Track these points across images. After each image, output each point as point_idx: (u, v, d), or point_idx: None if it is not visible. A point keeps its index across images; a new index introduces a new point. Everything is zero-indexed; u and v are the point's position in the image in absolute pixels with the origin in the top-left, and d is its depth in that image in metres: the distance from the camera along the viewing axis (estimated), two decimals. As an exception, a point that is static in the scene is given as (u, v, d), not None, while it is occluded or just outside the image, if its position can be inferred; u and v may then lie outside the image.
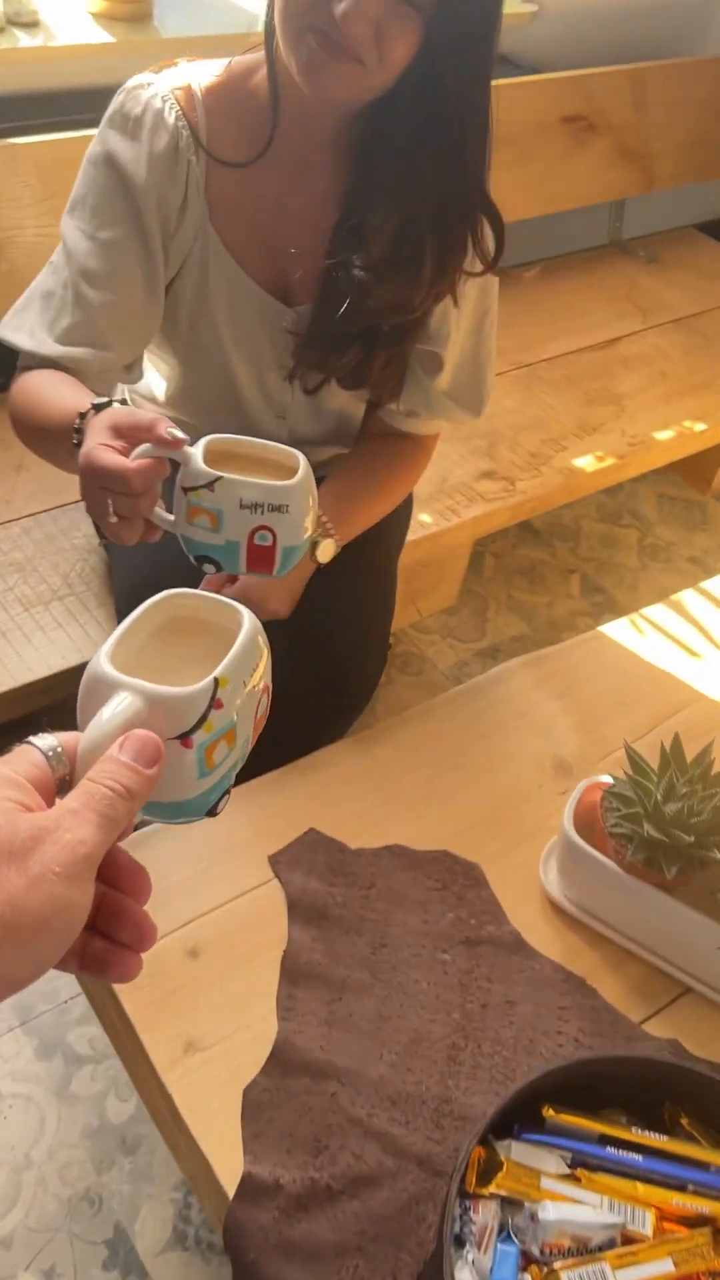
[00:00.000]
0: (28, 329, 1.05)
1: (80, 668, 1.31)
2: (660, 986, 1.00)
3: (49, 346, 1.02)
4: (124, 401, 0.89)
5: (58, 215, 1.51)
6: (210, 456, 0.86)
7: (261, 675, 0.56)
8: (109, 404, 0.90)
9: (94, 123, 1.55)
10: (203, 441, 0.87)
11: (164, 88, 1.02)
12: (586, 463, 1.80)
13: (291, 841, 1.05)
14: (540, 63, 2.16)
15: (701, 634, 1.36)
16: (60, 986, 1.32)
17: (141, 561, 1.20)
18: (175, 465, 0.86)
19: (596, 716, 1.22)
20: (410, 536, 1.52)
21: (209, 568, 0.90)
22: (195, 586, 0.93)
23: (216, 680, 0.51)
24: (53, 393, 0.99)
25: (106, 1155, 1.20)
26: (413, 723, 1.18)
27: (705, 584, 1.43)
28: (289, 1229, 0.81)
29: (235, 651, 0.52)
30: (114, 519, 0.86)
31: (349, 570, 1.18)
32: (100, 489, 0.84)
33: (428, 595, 1.85)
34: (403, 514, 1.36)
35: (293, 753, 1.14)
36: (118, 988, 0.91)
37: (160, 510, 0.88)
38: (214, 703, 0.50)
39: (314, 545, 1.11)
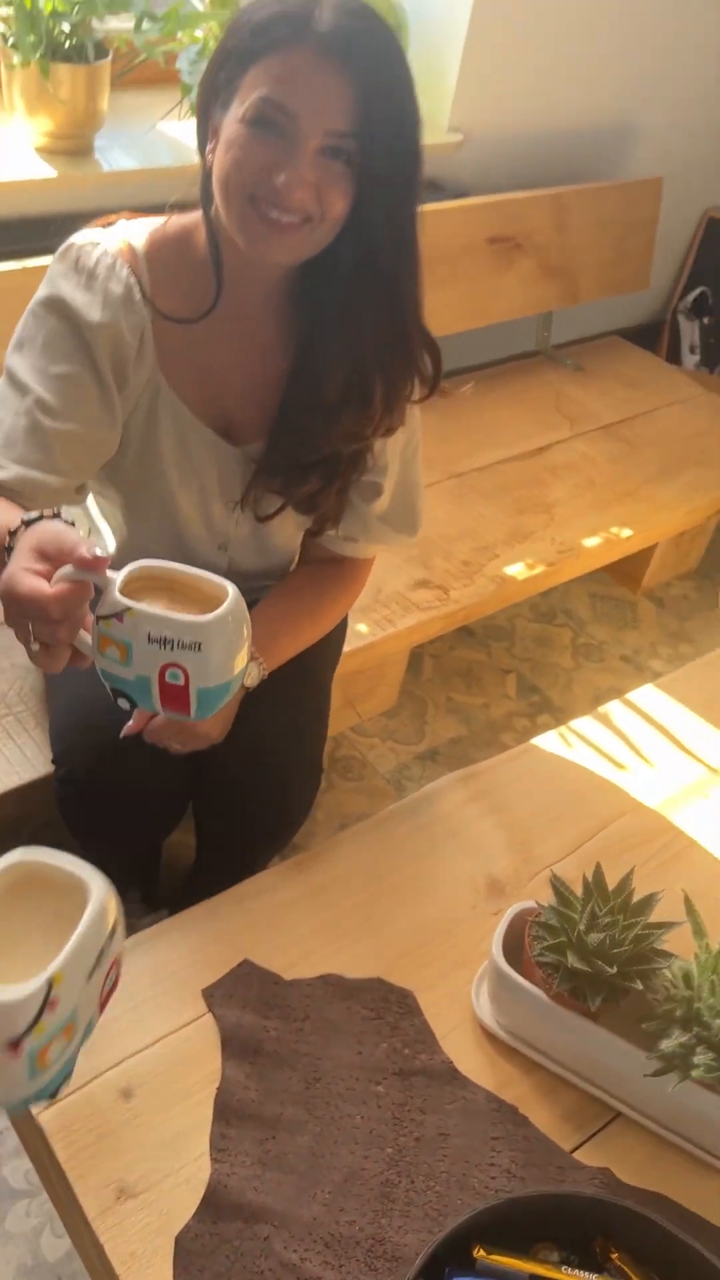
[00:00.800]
0: None
1: (18, 790, 1.32)
2: (591, 1113, 1.01)
3: (4, 470, 1.00)
4: (57, 515, 0.83)
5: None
6: (135, 583, 0.79)
7: (111, 951, 0.50)
8: (39, 519, 0.82)
9: (34, 252, 1.61)
10: (129, 566, 0.80)
11: (112, 246, 1.06)
12: (518, 570, 1.85)
13: (226, 974, 1.05)
14: (467, 188, 2.27)
15: (628, 746, 1.40)
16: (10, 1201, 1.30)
17: (74, 685, 1.21)
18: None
19: (527, 834, 1.25)
20: (348, 646, 1.55)
21: (123, 703, 0.83)
22: (107, 767, 0.94)
23: (50, 980, 0.45)
24: None
25: (40, 1298, 1.17)
26: (346, 845, 1.20)
27: (631, 695, 1.48)
28: None
29: (76, 939, 0.47)
30: (35, 646, 0.80)
31: (280, 694, 1.20)
32: (20, 615, 0.77)
33: (366, 699, 1.88)
34: (337, 633, 1.39)
35: (229, 876, 1.15)
36: (49, 1130, 0.91)
37: (84, 635, 0.81)
38: (48, 1003, 0.45)
39: None
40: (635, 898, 1.00)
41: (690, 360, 3.02)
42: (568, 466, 2.15)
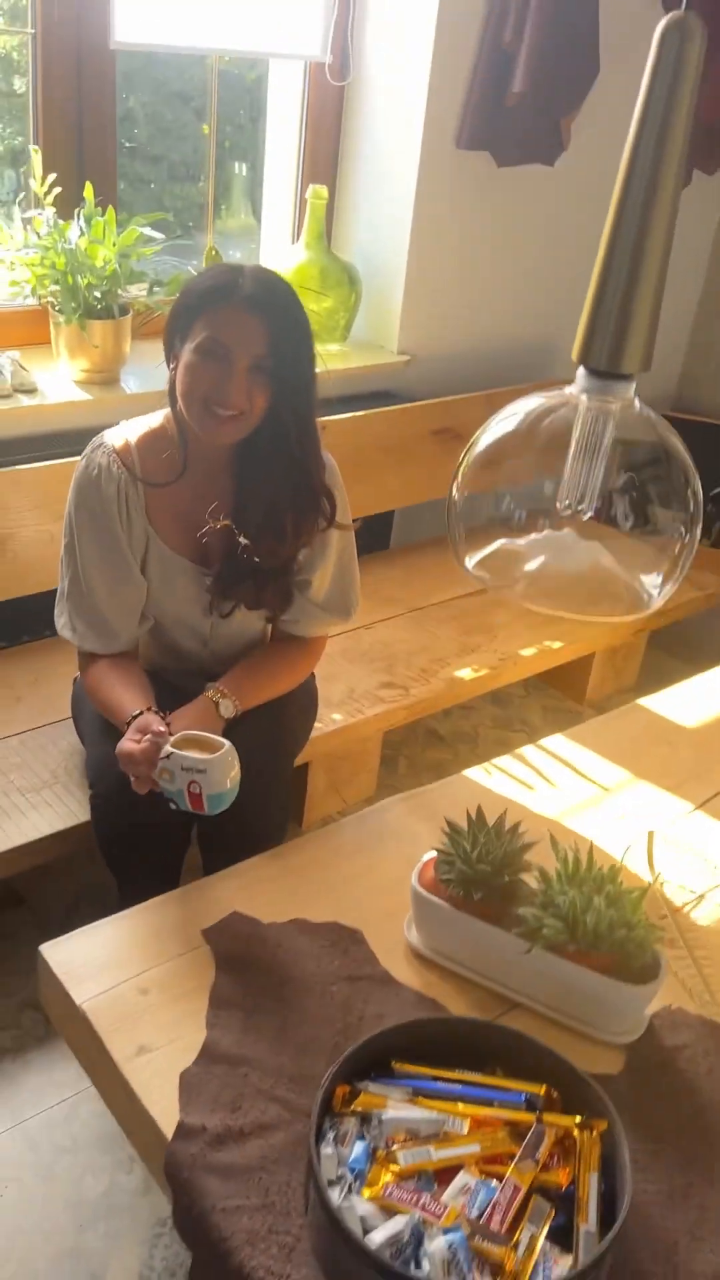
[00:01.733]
0: (81, 633, 1.64)
1: (65, 832, 1.71)
2: (494, 1004, 1.34)
3: (105, 647, 1.63)
4: (148, 710, 1.51)
5: (47, 518, 2.08)
6: (180, 741, 1.43)
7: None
8: (140, 714, 1.50)
9: (75, 453, 2.15)
10: (177, 735, 1.44)
11: (110, 445, 1.60)
12: (466, 673, 2.28)
13: (220, 919, 1.42)
14: (415, 395, 2.86)
15: (538, 775, 1.78)
16: (48, 1096, 1.61)
17: (102, 740, 1.63)
18: None
19: (454, 833, 1.61)
20: (325, 729, 1.98)
21: (172, 805, 1.44)
22: (127, 787, 1.49)
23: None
24: (112, 692, 1.58)
25: (85, 1220, 1.45)
26: (313, 840, 1.58)
27: (545, 740, 1.87)
28: (212, 1156, 1.12)
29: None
30: (133, 778, 1.45)
31: (259, 740, 1.60)
32: (128, 763, 1.44)
33: (348, 786, 2.26)
34: (307, 700, 1.80)
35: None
36: (90, 1013, 1.26)
37: (154, 774, 1.43)
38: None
39: (217, 704, 1.56)
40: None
41: (625, 525, 3.53)
42: (508, 602, 2.61)
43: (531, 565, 0.99)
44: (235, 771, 1.42)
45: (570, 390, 0.93)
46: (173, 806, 1.43)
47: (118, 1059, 1.21)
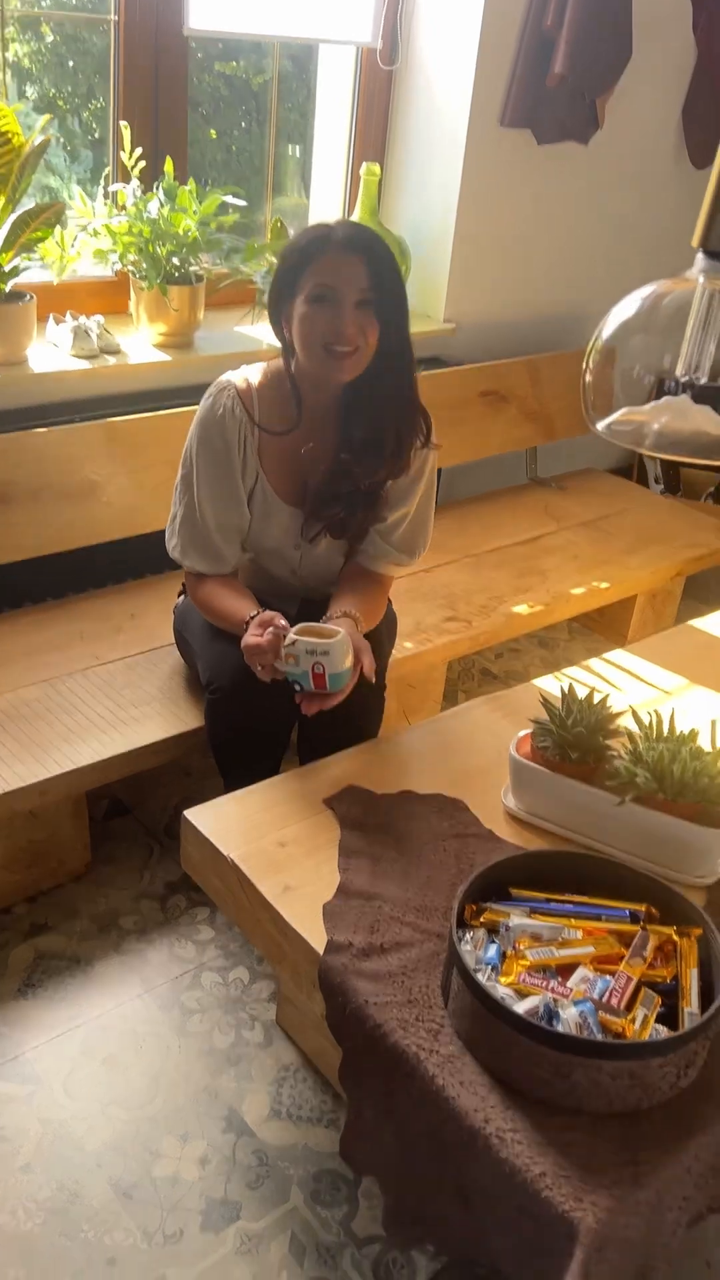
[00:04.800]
0: (192, 557, 1.80)
1: (175, 738, 1.89)
2: (587, 856, 1.51)
3: (213, 569, 1.80)
4: (263, 609, 1.69)
5: (139, 467, 2.28)
6: (297, 630, 1.58)
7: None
8: (258, 613, 1.66)
9: (158, 408, 2.34)
10: (296, 626, 1.59)
11: (232, 389, 1.77)
12: (522, 609, 2.46)
13: (339, 791, 1.59)
14: (461, 360, 3.04)
15: (605, 682, 1.96)
16: (173, 968, 1.79)
17: (217, 642, 1.81)
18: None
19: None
20: (399, 655, 2.15)
21: (296, 686, 1.59)
22: (242, 684, 1.67)
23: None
24: (226, 602, 1.76)
25: (217, 1067, 1.63)
26: (413, 731, 1.76)
27: (609, 654, 2.05)
28: (359, 965, 1.29)
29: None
30: (259, 669, 1.60)
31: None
32: (251, 655, 1.60)
33: (415, 712, 2.44)
34: (389, 626, 1.98)
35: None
36: (239, 860, 1.43)
37: (277, 662, 1.59)
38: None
39: (357, 622, 1.73)
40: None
41: (655, 489, 3.71)
42: (556, 549, 2.79)
43: (655, 425, 1.15)
44: (350, 655, 1.59)
45: (689, 274, 1.10)
46: (297, 688, 1.60)
47: (268, 896, 1.39)
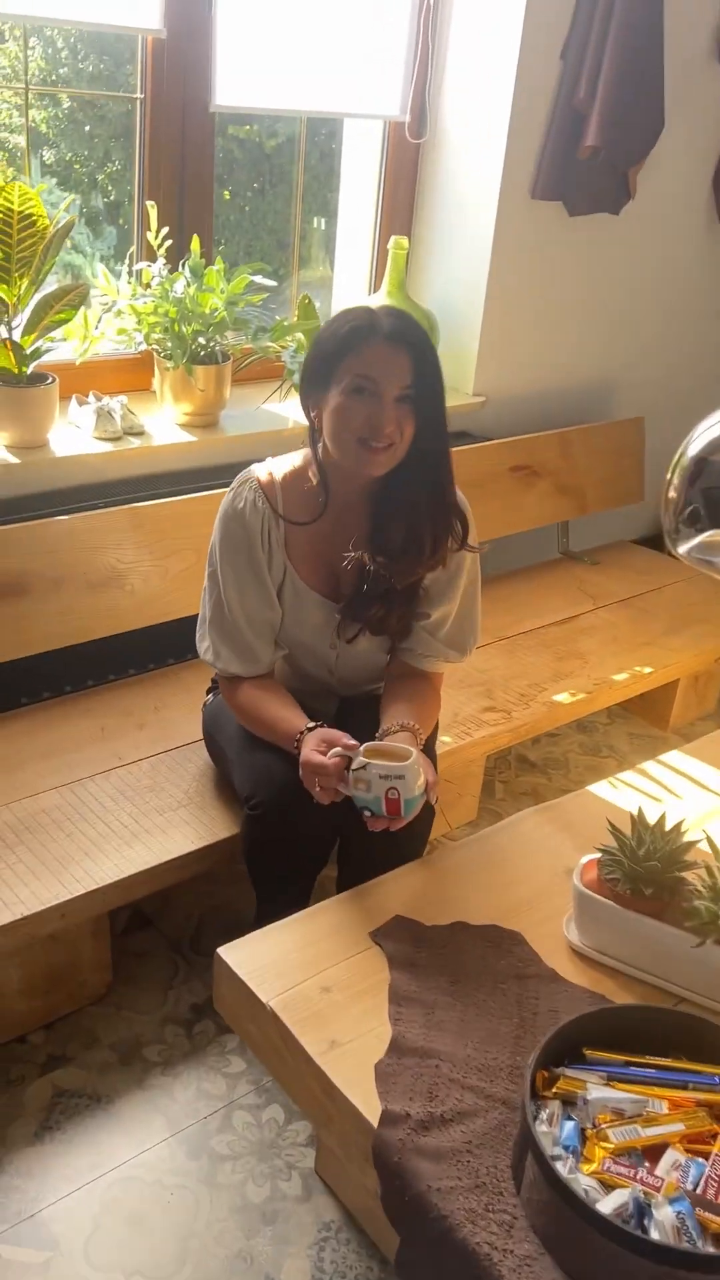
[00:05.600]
0: (225, 659, 1.70)
1: (204, 850, 1.77)
2: (659, 1000, 1.38)
3: (248, 670, 1.70)
4: (321, 724, 1.59)
5: (164, 553, 2.17)
6: (365, 752, 1.48)
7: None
8: (315, 727, 1.58)
9: (184, 491, 2.24)
10: (364, 746, 1.49)
11: (255, 481, 1.68)
12: (563, 698, 2.34)
13: (385, 923, 1.47)
14: (491, 434, 2.96)
15: (661, 787, 1.83)
16: (201, 1107, 1.65)
17: (254, 752, 1.69)
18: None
19: (591, 838, 1.66)
20: (437, 751, 2.03)
21: (366, 813, 1.48)
22: (287, 802, 1.57)
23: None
24: (270, 709, 1.66)
25: (252, 1226, 1.48)
26: (458, 849, 1.63)
27: (664, 756, 1.92)
28: (418, 1140, 1.16)
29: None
30: (319, 790, 1.51)
31: None
32: (312, 775, 1.51)
33: (453, 809, 2.31)
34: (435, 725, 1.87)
35: (371, 873, 1.58)
36: (279, 1008, 1.30)
37: (341, 785, 1.49)
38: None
39: (415, 734, 1.62)
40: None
41: (690, 558, 3.60)
42: (594, 629, 2.68)
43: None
44: (423, 777, 1.48)
45: None
46: (366, 815, 1.48)
47: (312, 1053, 1.26)
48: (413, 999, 1.34)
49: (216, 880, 2.12)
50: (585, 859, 1.46)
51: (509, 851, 1.64)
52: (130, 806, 1.86)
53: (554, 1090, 1.16)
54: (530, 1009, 1.35)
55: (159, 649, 2.35)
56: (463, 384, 2.92)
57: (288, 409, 2.55)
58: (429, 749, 1.75)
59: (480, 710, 2.27)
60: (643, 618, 2.76)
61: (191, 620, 1.81)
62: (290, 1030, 1.29)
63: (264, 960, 1.39)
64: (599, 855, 1.44)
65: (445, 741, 2.13)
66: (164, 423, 2.41)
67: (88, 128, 2.50)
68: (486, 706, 2.28)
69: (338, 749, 1.49)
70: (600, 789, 1.82)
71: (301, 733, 1.58)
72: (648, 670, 2.51)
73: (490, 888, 1.55)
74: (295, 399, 2.49)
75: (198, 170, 2.43)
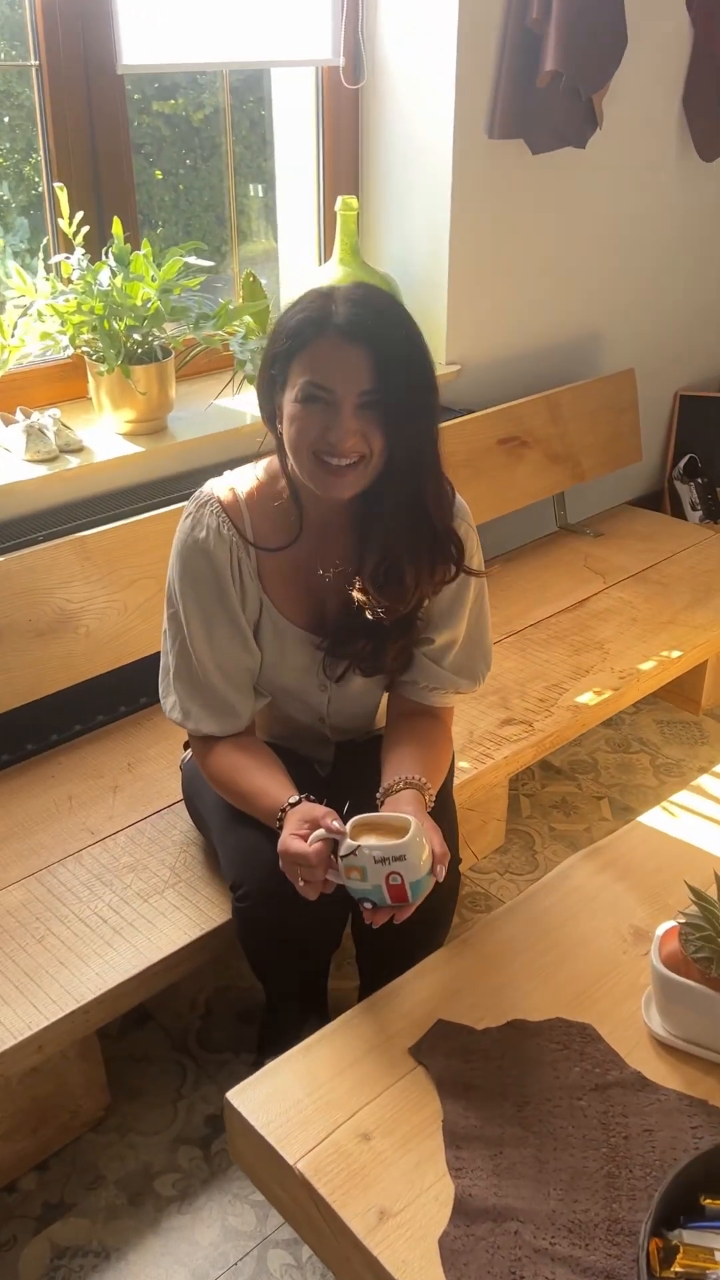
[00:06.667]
0: (196, 717, 1.42)
1: (201, 939, 1.50)
2: (774, 1096, 1.12)
3: (225, 729, 1.43)
4: (306, 799, 1.31)
5: (119, 586, 1.89)
6: (354, 830, 1.21)
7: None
8: (299, 802, 1.30)
9: (136, 512, 1.96)
10: (350, 822, 1.22)
11: (215, 502, 1.38)
12: (588, 699, 2.07)
13: (425, 1033, 1.20)
14: (470, 405, 2.67)
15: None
16: (229, 1250, 1.39)
17: (240, 829, 1.42)
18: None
19: (656, 889, 1.40)
20: (455, 781, 1.76)
21: (366, 904, 1.22)
22: (278, 890, 1.29)
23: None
24: (247, 778, 1.38)
25: None
26: (501, 921, 1.37)
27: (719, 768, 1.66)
28: (508, 1351, 0.90)
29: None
30: (301, 883, 1.23)
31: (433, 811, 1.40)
32: (292, 864, 1.24)
33: (478, 838, 2.05)
34: (451, 760, 1.60)
35: (395, 971, 1.31)
36: (309, 1173, 1.04)
37: (330, 874, 1.22)
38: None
39: (423, 791, 1.35)
40: (762, 894, 1.16)
41: (694, 516, 3.34)
42: (609, 611, 2.41)
43: None
44: (428, 849, 1.22)
45: None
46: (367, 907, 1.22)
47: (359, 1233, 1.00)
48: (474, 1137, 1.08)
49: (221, 956, 1.85)
50: (661, 929, 1.20)
51: (561, 916, 1.37)
52: (109, 894, 1.59)
53: (675, 1268, 0.90)
54: (619, 1132, 1.09)
55: (130, 689, 2.07)
56: (433, 353, 2.61)
57: (242, 403, 2.26)
58: (445, 800, 1.48)
59: (498, 725, 2.00)
60: (660, 593, 2.49)
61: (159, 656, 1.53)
62: (326, 1200, 1.02)
63: (284, 1104, 1.12)
64: (678, 923, 1.17)
65: (463, 768, 1.86)
66: (105, 435, 2.12)
67: (5, 119, 2.19)
68: (504, 719, 2.01)
69: (320, 832, 1.22)
70: (655, 819, 1.56)
71: (283, 810, 1.30)
72: (676, 654, 2.24)
73: (546, 967, 1.29)
74: (249, 391, 2.20)
75: (111, 143, 2.12)
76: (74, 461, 2.01)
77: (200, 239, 2.15)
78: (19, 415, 2.03)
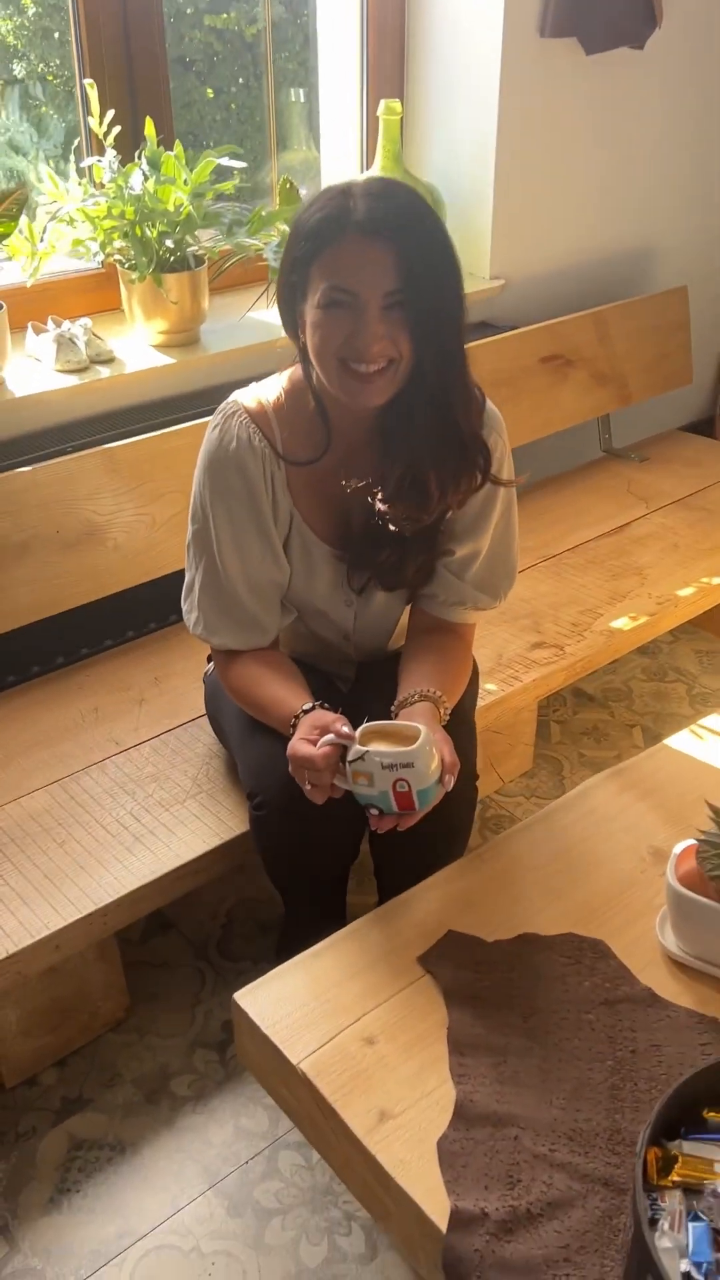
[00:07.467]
0: (222, 633, 1.40)
1: (220, 848, 1.50)
2: (787, 1017, 1.10)
3: (252, 644, 1.41)
4: (318, 706, 1.30)
5: (148, 499, 1.87)
6: (363, 737, 1.20)
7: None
8: (312, 709, 1.29)
9: (166, 424, 1.93)
10: (360, 729, 1.21)
11: (244, 413, 1.35)
12: (623, 624, 2.03)
13: (435, 943, 1.20)
14: (515, 322, 2.59)
15: (755, 734, 1.53)
16: (241, 1149, 1.42)
17: (260, 739, 1.41)
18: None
19: (678, 811, 1.38)
20: (481, 703, 1.73)
21: (373, 811, 1.21)
22: (295, 798, 1.28)
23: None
24: (265, 689, 1.36)
25: (308, 1299, 1.26)
26: (519, 836, 1.35)
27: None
28: (501, 1250, 0.90)
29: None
30: (309, 786, 1.22)
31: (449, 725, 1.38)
32: (300, 768, 1.23)
33: (505, 761, 2.03)
34: (472, 682, 1.57)
35: (412, 884, 1.30)
36: (311, 1074, 1.05)
37: (337, 779, 1.21)
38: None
39: (438, 705, 1.32)
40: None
41: None
42: (650, 536, 2.35)
43: None
44: (437, 758, 1.20)
45: None
46: (372, 813, 1.21)
47: (359, 1132, 1.00)
48: (478, 1045, 1.08)
49: (243, 867, 1.86)
50: (679, 847, 1.17)
51: (579, 834, 1.35)
52: (131, 802, 1.60)
53: (672, 1177, 0.89)
54: (626, 1045, 1.08)
55: (161, 604, 2.05)
56: (477, 267, 2.54)
57: (277, 315, 2.20)
58: (464, 715, 1.45)
59: (528, 648, 1.96)
60: (704, 520, 2.42)
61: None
62: (328, 1100, 1.03)
63: (290, 1006, 1.13)
64: (696, 841, 1.15)
65: (490, 690, 1.84)
66: (136, 346, 2.08)
67: (56, 34, 2.12)
68: (535, 643, 1.98)
69: (329, 736, 1.21)
70: (681, 741, 1.52)
71: (296, 717, 1.29)
72: (717, 581, 2.18)
73: (561, 884, 1.27)
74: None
75: (145, 39, 2.05)
76: (105, 372, 1.98)
77: (242, 149, 2.08)
78: (50, 325, 2.00)
